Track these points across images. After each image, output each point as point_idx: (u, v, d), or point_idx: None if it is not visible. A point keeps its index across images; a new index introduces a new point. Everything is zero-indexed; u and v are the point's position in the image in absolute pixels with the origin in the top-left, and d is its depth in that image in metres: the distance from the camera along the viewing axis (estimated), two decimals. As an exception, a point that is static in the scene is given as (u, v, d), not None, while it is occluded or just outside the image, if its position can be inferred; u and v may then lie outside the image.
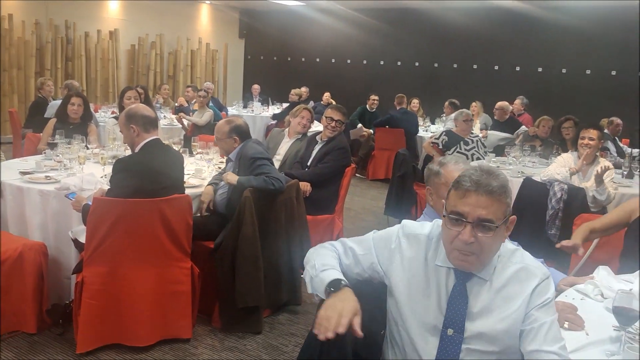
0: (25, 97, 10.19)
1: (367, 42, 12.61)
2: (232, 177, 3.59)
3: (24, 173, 3.77)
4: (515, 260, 1.69)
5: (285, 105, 10.32)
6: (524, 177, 4.67)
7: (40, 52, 10.39)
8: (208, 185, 3.79)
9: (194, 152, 4.88)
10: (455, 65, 11.73)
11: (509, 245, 1.74)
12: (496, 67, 11.36)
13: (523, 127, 7.71)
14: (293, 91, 10.45)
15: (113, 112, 7.85)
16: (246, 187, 3.40)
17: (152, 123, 3.18)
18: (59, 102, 6.52)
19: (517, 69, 11.10)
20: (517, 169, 5.30)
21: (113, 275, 2.99)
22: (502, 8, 10.52)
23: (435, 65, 11.90)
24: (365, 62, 12.84)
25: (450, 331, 1.64)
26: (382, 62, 12.56)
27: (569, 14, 10.06)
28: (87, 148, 4.57)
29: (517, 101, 9.26)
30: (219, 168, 4.33)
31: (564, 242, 2.69)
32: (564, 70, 10.66)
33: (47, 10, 10.48)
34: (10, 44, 9.92)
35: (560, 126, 6.20)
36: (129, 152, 4.18)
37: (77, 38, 10.94)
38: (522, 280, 1.65)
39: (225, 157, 3.89)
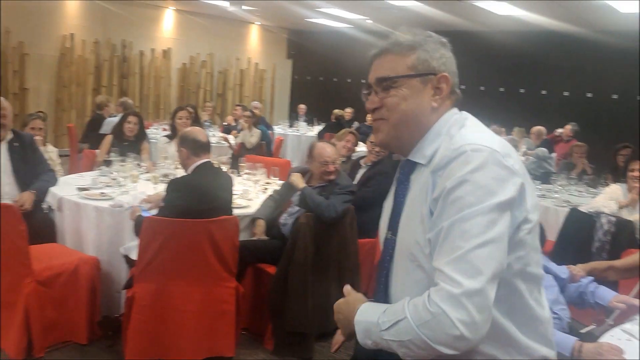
0: (83, 112, 10.63)
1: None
2: (300, 182, 3.71)
3: (81, 189, 3.96)
4: (457, 141, 1.30)
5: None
6: (570, 207, 4.61)
7: (98, 69, 10.84)
8: (260, 219, 3.86)
9: (241, 173, 5.01)
10: (501, 89, 11.65)
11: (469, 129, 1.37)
12: (544, 92, 11.23)
13: (541, 150, 7.50)
14: (334, 112, 10.56)
15: (164, 130, 8.12)
16: (307, 198, 3.52)
17: (203, 148, 3.31)
18: (114, 119, 6.81)
19: (566, 94, 10.94)
20: (563, 197, 5.23)
21: (162, 292, 3.11)
22: (551, 31, 10.40)
23: (482, 88, 11.84)
24: (411, 83, 12.86)
25: (388, 234, 1.45)
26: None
27: (620, 38, 9.88)
28: (140, 166, 4.76)
29: (568, 127, 9.14)
30: (265, 189, 4.44)
31: (571, 267, 2.68)
32: (614, 96, 10.44)
33: (106, 30, 10.95)
34: (70, 62, 10.40)
35: (616, 153, 6.06)
36: (179, 171, 4.35)
37: (132, 56, 11.37)
38: (454, 168, 1.25)
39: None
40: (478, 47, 11.60)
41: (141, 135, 5.51)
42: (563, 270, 2.69)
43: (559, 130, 9.56)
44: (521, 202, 1.26)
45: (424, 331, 1.18)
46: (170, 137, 5.45)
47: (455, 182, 1.22)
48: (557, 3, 8.04)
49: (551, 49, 10.81)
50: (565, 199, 5.19)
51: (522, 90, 11.47)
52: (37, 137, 4.51)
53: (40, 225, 3.77)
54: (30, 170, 4.10)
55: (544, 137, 8.87)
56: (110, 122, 6.88)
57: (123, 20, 11.10)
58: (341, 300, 1.44)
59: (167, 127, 8.43)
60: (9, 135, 4.12)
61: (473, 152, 1.23)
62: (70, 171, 6.53)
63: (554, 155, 7.85)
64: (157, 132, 7.99)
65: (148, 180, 4.35)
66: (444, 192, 1.23)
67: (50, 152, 4.84)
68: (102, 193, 3.89)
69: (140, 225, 3.11)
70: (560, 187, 5.56)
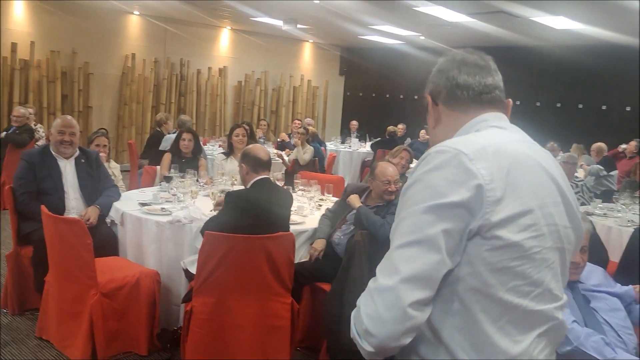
0: (142, 129, 11.00)
1: (468, 80, 12.51)
2: (356, 201, 3.76)
3: (142, 204, 4.10)
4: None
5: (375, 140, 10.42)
6: (635, 227, 4.44)
7: (157, 87, 11.21)
8: (320, 238, 3.90)
9: (295, 189, 5.07)
10: (558, 105, 11.38)
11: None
12: (604, 107, 10.89)
13: (595, 168, 7.23)
14: (388, 128, 10.54)
15: (220, 146, 8.31)
16: (362, 217, 3.55)
17: (262, 165, 3.38)
18: (173, 136, 7.02)
19: (628, 109, 10.58)
20: (626, 217, 5.05)
21: (220, 306, 3.17)
22: (611, 44, 10.09)
23: (538, 104, 11.59)
24: (464, 99, 12.73)
25: None
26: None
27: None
28: (198, 182, 4.88)
29: (633, 143, 8.83)
30: (320, 206, 4.48)
31: (636, 287, 2.59)
32: (681, 111, 10.03)
33: (166, 49, 11.33)
34: (131, 81, 10.80)
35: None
36: (237, 187, 4.45)
37: (190, 75, 11.71)
38: (416, 169, 1.27)
39: None
40: (534, 62, 11.39)
41: (197, 152, 5.66)
42: (628, 292, 2.61)
43: (623, 146, 9.24)
44: (479, 211, 1.14)
45: (353, 322, 1.21)
46: (227, 154, 5.57)
47: (410, 181, 1.21)
48: (616, 16, 7.82)
49: (611, 63, 10.48)
50: (629, 218, 5.00)
51: (580, 106, 11.16)
52: (101, 154, 4.70)
53: (103, 239, 3.92)
54: (96, 185, 4.28)
55: (605, 154, 8.60)
56: (169, 138, 7.09)
57: (182, 40, 11.46)
58: None
59: (223, 143, 8.63)
60: (76, 152, 4.32)
61: (436, 154, 1.19)
62: (130, 186, 6.76)
63: (615, 172, 7.58)
64: (213, 149, 8.19)
65: (207, 196, 4.46)
66: (402, 191, 1.23)
67: (114, 168, 5.02)
68: (163, 208, 4.01)
69: (202, 230, 3.22)
70: (623, 206, 5.36)
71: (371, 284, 1.18)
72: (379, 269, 1.19)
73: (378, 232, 3.54)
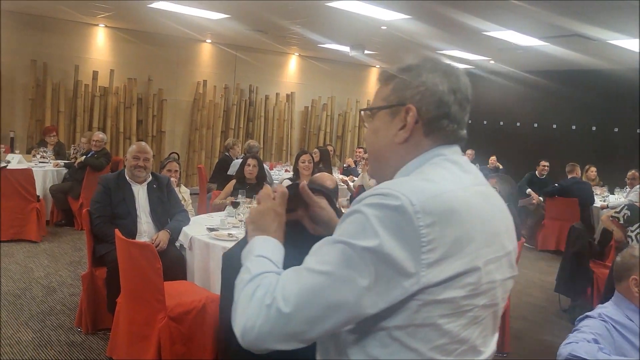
0: (212, 153, 11.30)
1: (539, 104, 12.18)
2: None
3: (210, 229, 4.18)
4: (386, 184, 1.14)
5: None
6: None
7: (226, 113, 11.52)
8: None
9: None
10: (639, 131, 10.84)
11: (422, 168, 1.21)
12: (689, 133, 10.29)
13: None
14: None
15: (287, 171, 8.40)
16: None
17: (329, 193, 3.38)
18: (239, 161, 7.16)
19: None
20: None
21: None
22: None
23: (615, 130, 11.09)
24: (536, 125, 12.38)
25: None
26: (554, 126, 12.01)
27: None
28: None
29: None
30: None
31: None
32: None
33: (235, 76, 11.65)
34: (202, 106, 11.15)
35: None
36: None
37: (258, 100, 11.97)
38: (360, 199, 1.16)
39: None
40: (611, 86, 10.94)
41: (261, 177, 5.73)
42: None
43: None
44: (412, 272, 1.04)
45: (240, 304, 1.09)
46: (293, 180, 5.61)
47: (351, 209, 1.10)
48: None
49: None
50: None
51: (662, 132, 10.60)
52: (172, 179, 4.84)
53: (173, 263, 4.02)
54: (166, 210, 4.41)
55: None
56: (237, 163, 7.24)
57: (251, 66, 11.76)
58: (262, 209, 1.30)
59: (289, 168, 8.74)
60: (149, 178, 4.47)
61: (386, 196, 1.06)
62: (199, 210, 6.93)
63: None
64: (279, 174, 8.29)
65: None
66: (344, 216, 1.12)
67: (184, 193, 5.16)
68: (230, 234, 4.06)
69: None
70: None
71: (267, 294, 1.06)
72: (282, 279, 1.08)
73: None
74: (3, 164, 6.64)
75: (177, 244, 4.27)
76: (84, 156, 7.36)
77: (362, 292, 1.03)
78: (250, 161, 5.66)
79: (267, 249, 1.20)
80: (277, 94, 12.32)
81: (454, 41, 9.37)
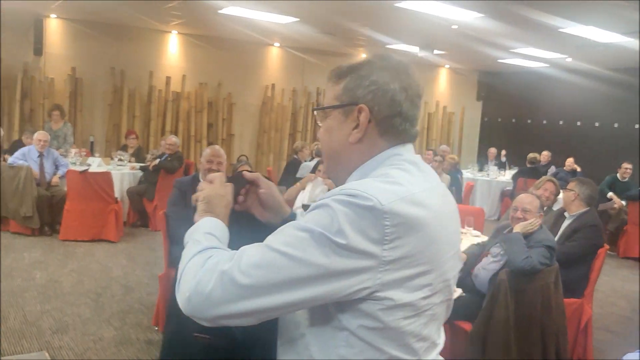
0: (280, 156, 11.42)
1: (620, 103, 11.57)
2: (520, 227, 3.53)
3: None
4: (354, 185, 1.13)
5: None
6: None
7: (294, 116, 11.61)
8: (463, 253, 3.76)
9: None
10: None
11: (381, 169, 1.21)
12: None
13: None
14: (529, 155, 9.99)
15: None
16: (511, 242, 3.34)
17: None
18: (310, 163, 7.17)
19: None
20: None
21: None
22: None
23: None
24: (616, 125, 11.77)
25: None
26: (637, 126, 11.39)
27: None
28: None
29: None
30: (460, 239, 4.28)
31: None
32: None
33: (303, 79, 11.72)
34: (271, 109, 11.29)
35: None
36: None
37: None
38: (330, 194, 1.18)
39: None
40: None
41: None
42: None
43: None
44: (373, 269, 1.06)
45: (188, 271, 1.12)
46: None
47: (319, 203, 1.10)
48: None
49: None
50: None
51: None
52: (245, 182, 4.88)
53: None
54: (238, 214, 4.44)
55: None
56: (306, 166, 7.26)
57: (318, 69, 11.80)
58: (216, 191, 1.34)
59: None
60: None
61: (355, 196, 1.07)
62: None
63: None
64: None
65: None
66: (311, 207, 1.12)
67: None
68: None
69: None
70: None
71: (225, 263, 1.08)
72: (240, 253, 1.09)
73: (516, 263, 3.30)
74: (84, 168, 6.93)
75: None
76: (158, 159, 7.59)
77: (318, 279, 1.05)
78: (322, 166, 5.65)
79: (215, 229, 1.23)
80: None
81: (529, 39, 9.05)
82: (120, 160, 7.99)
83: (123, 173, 7.60)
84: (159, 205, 7.22)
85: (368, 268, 1.06)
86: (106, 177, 6.71)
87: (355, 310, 1.10)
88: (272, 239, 1.10)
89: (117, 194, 6.99)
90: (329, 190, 5.03)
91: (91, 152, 8.99)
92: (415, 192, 1.13)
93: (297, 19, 8.39)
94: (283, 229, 1.11)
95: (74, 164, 7.43)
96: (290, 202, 5.84)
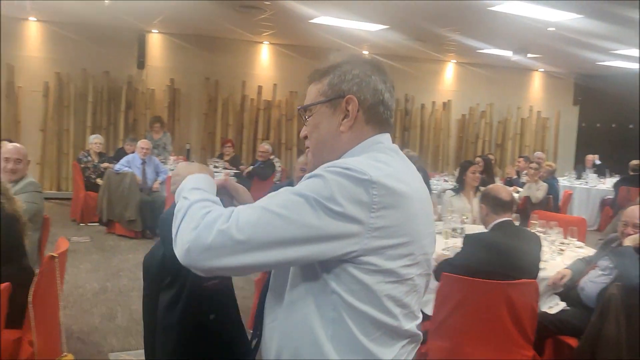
0: (367, 163, 11.41)
1: None
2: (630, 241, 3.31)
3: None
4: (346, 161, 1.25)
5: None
6: None
7: (382, 123, 11.57)
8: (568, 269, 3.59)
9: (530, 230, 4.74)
10: None
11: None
12: None
13: None
14: (631, 163, 9.40)
15: (445, 181, 8.22)
16: (624, 256, 3.16)
17: (504, 206, 3.22)
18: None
19: None
20: None
21: (455, 353, 3.06)
22: None
23: None
24: None
25: None
26: None
27: None
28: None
29: None
30: (562, 251, 4.11)
31: None
32: None
33: (398, 86, 11.66)
34: (359, 117, 11.32)
35: None
36: (469, 226, 4.31)
37: (414, 110, 11.89)
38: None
39: None
40: None
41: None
42: None
43: None
44: (354, 236, 1.17)
45: (185, 225, 1.19)
46: (456, 190, 5.45)
47: (312, 174, 1.21)
48: None
49: None
50: None
51: None
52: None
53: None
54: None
55: None
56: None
57: (407, 75, 11.71)
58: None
59: (447, 178, 8.54)
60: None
61: (347, 169, 1.19)
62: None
63: None
64: (437, 184, 8.13)
65: (438, 233, 4.39)
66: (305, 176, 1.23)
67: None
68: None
69: (438, 273, 3.13)
70: None
71: (223, 222, 1.15)
72: (237, 212, 1.17)
73: (630, 277, 3.10)
74: (183, 174, 7.24)
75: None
76: (252, 166, 7.82)
77: (310, 240, 1.15)
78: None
79: (199, 182, 1.32)
80: (433, 103, 12.14)
81: (630, 40, 8.55)
82: (215, 167, 8.30)
83: (218, 179, 7.87)
84: (252, 211, 7.42)
85: (356, 233, 1.17)
86: (203, 183, 6.98)
87: (341, 273, 1.20)
88: (268, 201, 1.18)
89: (213, 200, 7.24)
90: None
91: (188, 159, 9.41)
92: (400, 171, 1.26)
93: (387, 27, 8.39)
94: (278, 193, 1.20)
95: (172, 170, 7.79)
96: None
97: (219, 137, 10.23)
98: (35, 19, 9.31)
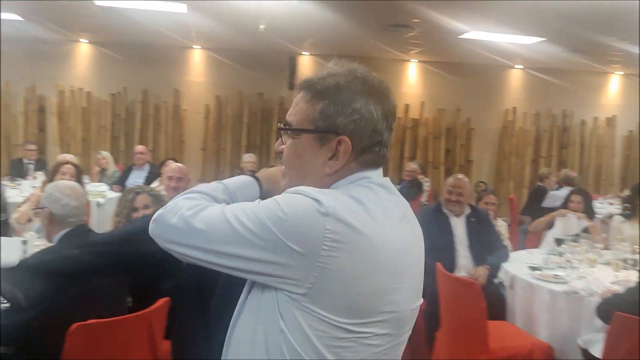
0: (521, 183, 10.80)
1: None
2: None
3: (532, 268, 3.88)
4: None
5: None
6: None
7: (537, 140, 10.91)
8: None
9: None
10: None
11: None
12: None
13: None
14: None
15: (610, 204, 7.51)
16: None
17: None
18: (558, 192, 6.64)
19: None
20: None
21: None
22: None
23: None
24: None
25: None
26: None
27: None
28: (594, 247, 4.40)
29: None
30: None
31: None
32: None
33: (547, 101, 10.98)
34: (511, 134, 10.77)
35: None
36: (636, 256, 3.87)
37: (573, 126, 11.05)
38: None
39: None
40: None
41: (589, 214, 5.14)
42: None
43: None
44: (295, 272, 1.06)
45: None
46: (627, 216, 4.92)
47: (275, 197, 1.13)
48: None
49: None
50: None
51: None
52: (490, 212, 4.68)
53: (492, 301, 3.81)
54: (485, 245, 4.26)
55: None
56: (554, 195, 6.73)
57: (564, 90, 10.94)
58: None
59: (613, 201, 7.79)
60: (467, 210, 4.39)
61: (305, 195, 1.09)
62: (512, 243, 6.61)
63: None
64: (601, 207, 7.44)
65: (605, 264, 3.98)
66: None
67: (500, 226, 4.94)
68: (556, 275, 3.72)
69: (605, 310, 2.81)
70: None
71: (189, 210, 1.17)
72: (208, 209, 1.17)
73: None
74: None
75: (496, 280, 4.08)
76: (398, 186, 7.72)
77: (251, 261, 1.09)
78: (575, 197, 5.15)
79: (232, 182, 1.34)
80: (595, 118, 11.19)
81: None
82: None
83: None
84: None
85: (299, 266, 1.05)
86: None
87: (289, 315, 1.08)
88: (234, 209, 1.13)
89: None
90: (580, 221, 4.56)
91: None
92: (370, 209, 1.10)
93: (543, 39, 7.89)
94: (247, 205, 1.13)
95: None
96: (537, 235, 5.48)
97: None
98: (199, 47, 10.08)
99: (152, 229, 1.22)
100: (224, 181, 1.32)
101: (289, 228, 1.06)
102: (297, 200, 1.08)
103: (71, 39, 9.72)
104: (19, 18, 8.04)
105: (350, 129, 1.15)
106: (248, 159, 8.38)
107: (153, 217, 1.23)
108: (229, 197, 1.27)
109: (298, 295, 1.07)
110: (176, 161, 6.72)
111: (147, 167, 7.29)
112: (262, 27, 7.51)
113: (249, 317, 1.18)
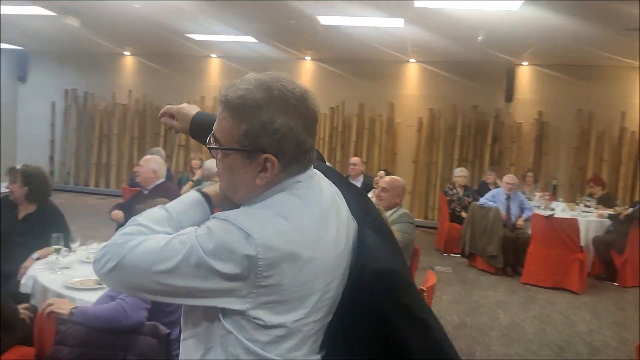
0: None
1: None
2: None
3: None
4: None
5: None
6: None
7: None
8: None
9: None
10: None
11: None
12: None
13: None
14: None
15: None
16: None
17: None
18: None
19: None
20: None
21: None
22: None
23: None
24: None
25: None
26: None
27: None
28: None
29: None
30: None
31: None
32: None
33: None
34: None
35: None
36: None
37: None
38: None
39: None
40: None
41: None
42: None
43: None
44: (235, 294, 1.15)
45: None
46: None
47: (209, 222, 1.20)
48: None
49: None
50: None
51: None
52: None
53: None
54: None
55: None
56: None
57: None
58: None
59: None
60: None
61: (236, 226, 1.15)
62: None
63: None
64: None
65: None
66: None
67: None
68: None
69: None
70: None
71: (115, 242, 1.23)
72: (123, 233, 1.24)
73: None
74: (549, 213, 6.83)
75: None
76: (631, 208, 6.88)
77: (190, 292, 1.17)
78: None
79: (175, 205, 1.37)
80: None
81: None
82: (586, 206, 7.60)
83: (589, 220, 7.17)
84: (629, 259, 6.54)
85: (237, 290, 1.15)
86: (572, 223, 6.46)
87: (236, 325, 1.18)
88: (173, 239, 1.18)
89: (582, 242, 6.63)
90: None
91: (554, 196, 8.85)
92: (297, 225, 1.18)
93: None
94: (182, 238, 1.17)
95: (538, 207, 7.41)
96: None
97: (590, 173, 9.36)
98: (414, 60, 10.16)
99: (98, 257, 1.26)
100: (169, 206, 1.34)
101: (226, 258, 1.14)
102: (228, 232, 1.15)
103: (297, 57, 10.50)
104: (253, 40, 8.92)
105: (274, 146, 1.21)
106: (459, 173, 8.20)
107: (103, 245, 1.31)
108: (171, 227, 1.29)
109: (237, 311, 1.17)
110: (387, 173, 6.84)
111: (360, 178, 7.51)
112: (480, 37, 7.29)
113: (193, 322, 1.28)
